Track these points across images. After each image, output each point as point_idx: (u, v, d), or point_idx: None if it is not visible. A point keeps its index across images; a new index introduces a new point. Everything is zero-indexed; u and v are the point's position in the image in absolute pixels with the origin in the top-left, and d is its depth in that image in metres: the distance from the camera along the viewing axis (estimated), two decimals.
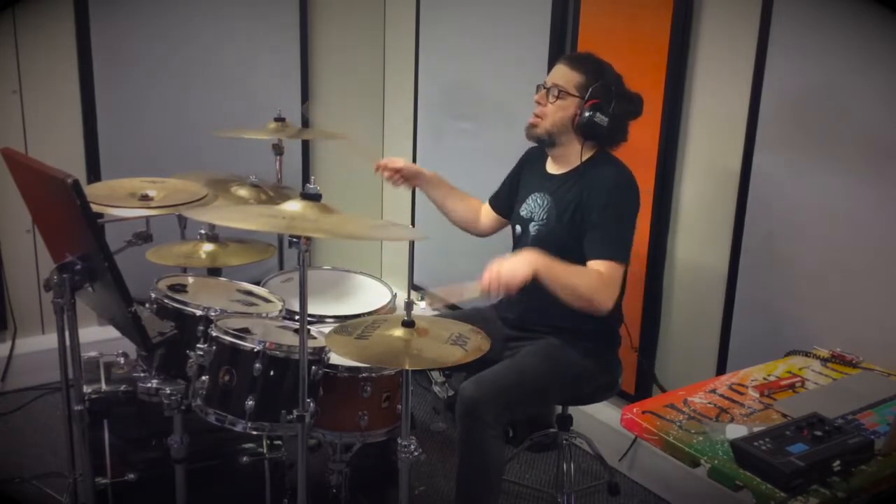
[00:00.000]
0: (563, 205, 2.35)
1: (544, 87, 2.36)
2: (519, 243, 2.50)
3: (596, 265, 2.21)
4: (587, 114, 2.27)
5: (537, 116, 2.37)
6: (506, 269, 2.07)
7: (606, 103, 2.27)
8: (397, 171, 2.65)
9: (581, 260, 2.25)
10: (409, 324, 1.97)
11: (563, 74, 2.33)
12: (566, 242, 2.31)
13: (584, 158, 2.35)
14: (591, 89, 2.28)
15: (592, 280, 2.19)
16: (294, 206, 1.93)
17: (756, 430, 1.68)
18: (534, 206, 2.44)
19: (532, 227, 2.42)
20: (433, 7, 3.66)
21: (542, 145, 2.44)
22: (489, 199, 2.70)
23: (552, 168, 2.45)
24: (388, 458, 2.45)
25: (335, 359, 2.15)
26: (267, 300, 2.49)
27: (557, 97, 2.32)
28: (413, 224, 3.87)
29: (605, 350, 2.44)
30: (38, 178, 1.92)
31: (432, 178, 2.72)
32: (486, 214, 2.71)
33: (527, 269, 2.08)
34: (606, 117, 2.27)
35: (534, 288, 2.41)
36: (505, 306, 2.55)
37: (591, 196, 2.28)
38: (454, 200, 2.74)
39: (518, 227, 2.50)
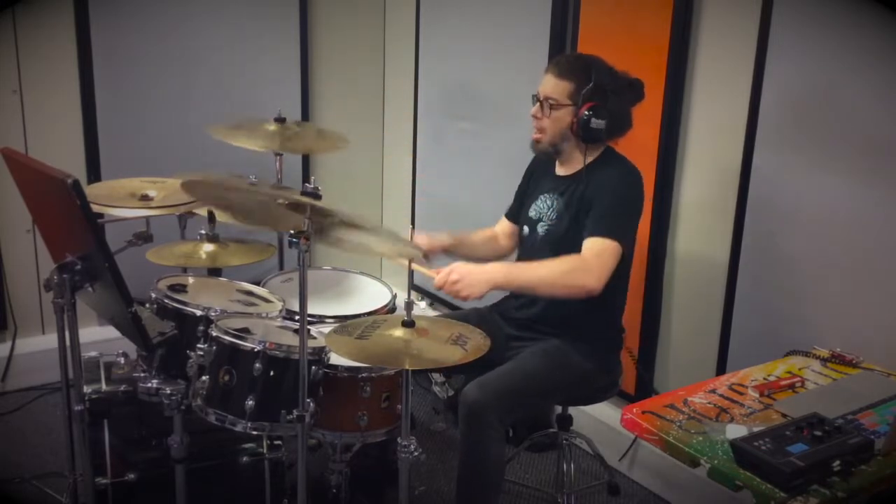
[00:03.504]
0: (571, 204, 2.36)
1: (538, 100, 2.36)
2: (525, 243, 2.51)
3: (587, 243, 2.23)
4: (584, 120, 2.27)
5: (538, 131, 2.38)
6: (464, 285, 2.18)
7: (602, 103, 2.27)
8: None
9: None
10: (409, 324, 1.97)
11: (553, 85, 2.32)
12: (574, 240, 2.31)
13: (589, 157, 2.36)
14: (583, 94, 2.27)
15: (568, 265, 2.21)
16: None
17: (756, 430, 1.68)
18: (543, 206, 2.45)
19: (541, 227, 2.43)
20: (433, 7, 3.66)
21: (549, 156, 2.45)
22: (505, 214, 2.68)
23: (560, 170, 2.46)
24: (388, 458, 2.45)
25: (335, 359, 2.15)
26: (267, 300, 2.49)
27: (552, 109, 2.32)
28: (413, 226, 3.87)
29: (605, 351, 2.45)
30: (38, 178, 1.92)
31: (451, 244, 2.57)
32: (504, 230, 2.67)
33: (484, 287, 2.18)
34: (604, 119, 2.27)
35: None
36: (508, 307, 2.55)
37: (596, 190, 2.29)
38: (475, 249, 2.63)
39: (526, 228, 2.50)
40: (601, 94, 2.27)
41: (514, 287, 2.27)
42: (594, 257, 2.21)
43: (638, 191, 2.33)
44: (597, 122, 2.27)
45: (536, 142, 2.40)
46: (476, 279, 2.19)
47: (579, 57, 2.35)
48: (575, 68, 2.31)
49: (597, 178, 2.32)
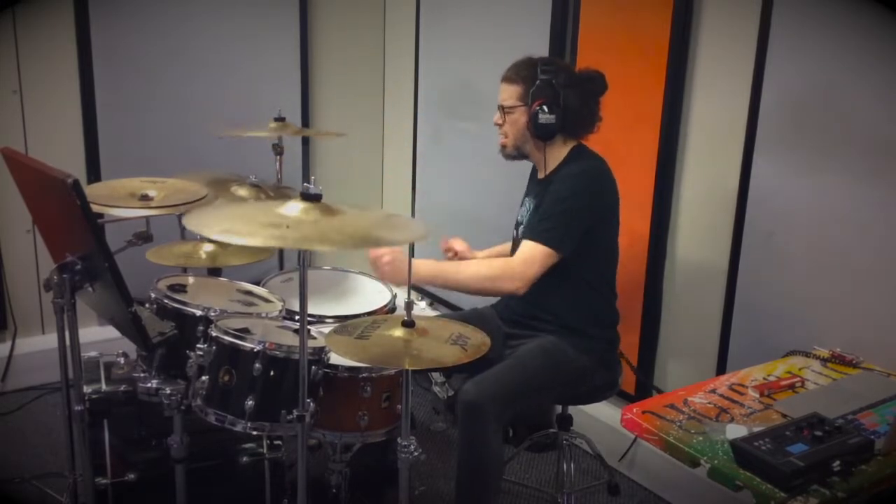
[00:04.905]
0: (540, 207, 2.40)
1: (498, 109, 2.43)
2: (514, 246, 2.53)
3: (521, 246, 2.33)
4: (534, 116, 2.33)
5: (503, 136, 2.45)
6: (389, 269, 2.31)
7: (553, 99, 2.32)
8: (455, 252, 2.70)
9: (560, 261, 2.30)
10: (409, 324, 1.96)
11: (505, 91, 2.41)
12: None
13: (560, 156, 2.41)
14: (531, 93, 2.34)
15: (493, 271, 2.33)
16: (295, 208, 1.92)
17: (756, 430, 1.68)
18: (524, 210, 2.51)
19: (520, 231, 2.47)
20: (433, 7, 3.66)
21: (518, 160, 2.51)
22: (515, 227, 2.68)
23: (539, 174, 2.51)
24: (388, 458, 2.45)
25: (335, 359, 2.15)
26: (267, 300, 2.49)
27: (507, 113, 2.40)
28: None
29: (604, 349, 2.45)
30: (38, 178, 1.92)
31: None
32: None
33: (402, 279, 2.18)
34: (553, 113, 2.32)
35: (535, 287, 2.43)
36: (505, 305, 2.56)
37: (552, 191, 2.35)
38: None
39: (515, 232, 2.55)
40: (550, 91, 2.32)
41: (441, 286, 2.40)
42: (521, 264, 2.30)
43: (594, 185, 2.36)
44: (545, 117, 2.33)
45: (503, 147, 2.47)
46: (401, 270, 2.26)
47: (526, 60, 2.42)
48: (521, 71, 2.39)
49: (558, 177, 2.38)
